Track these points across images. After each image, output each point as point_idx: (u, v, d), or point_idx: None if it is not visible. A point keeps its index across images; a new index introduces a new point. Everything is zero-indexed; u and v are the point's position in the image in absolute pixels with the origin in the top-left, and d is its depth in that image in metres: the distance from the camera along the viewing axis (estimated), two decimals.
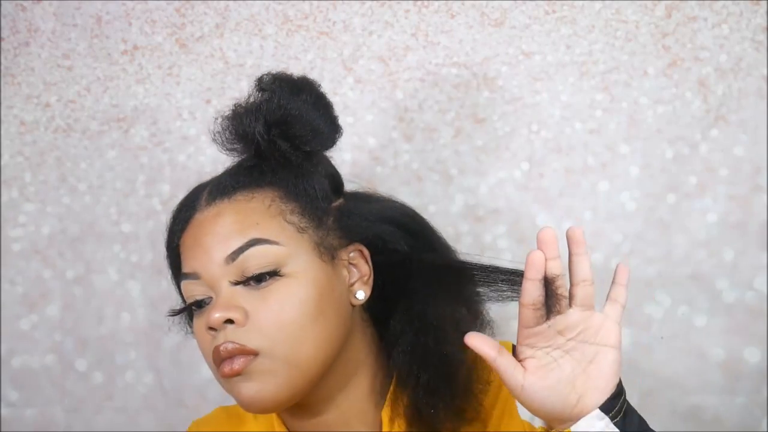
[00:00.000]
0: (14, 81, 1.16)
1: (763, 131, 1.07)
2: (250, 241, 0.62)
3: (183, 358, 1.14)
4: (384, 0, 1.12)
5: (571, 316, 0.59)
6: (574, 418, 0.59)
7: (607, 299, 0.62)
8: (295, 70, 1.13)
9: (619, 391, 0.61)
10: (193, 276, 0.65)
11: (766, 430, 1.06)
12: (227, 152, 0.69)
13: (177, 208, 0.70)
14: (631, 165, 1.10)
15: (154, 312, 1.15)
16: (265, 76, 0.68)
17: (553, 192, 1.11)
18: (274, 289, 0.62)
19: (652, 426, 0.64)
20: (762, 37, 1.07)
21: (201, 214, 0.65)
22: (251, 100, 0.67)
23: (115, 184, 1.16)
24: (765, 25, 1.07)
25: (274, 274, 0.62)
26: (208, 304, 0.64)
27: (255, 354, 0.61)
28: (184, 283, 0.66)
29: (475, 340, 0.59)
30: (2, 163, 1.16)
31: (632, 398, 0.66)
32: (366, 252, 0.68)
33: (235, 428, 0.74)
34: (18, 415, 1.15)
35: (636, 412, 0.62)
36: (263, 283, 0.62)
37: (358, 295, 0.67)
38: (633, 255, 1.10)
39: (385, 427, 0.68)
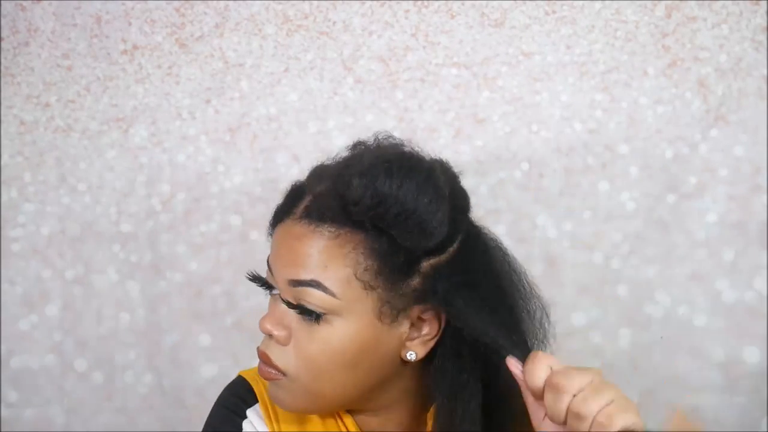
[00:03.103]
0: (14, 81, 1.16)
1: (763, 131, 1.07)
2: (312, 281, 0.63)
3: (182, 358, 1.14)
4: (384, 0, 1.12)
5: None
6: None
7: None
8: (295, 69, 1.14)
9: None
10: (270, 268, 0.67)
11: (765, 430, 1.06)
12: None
13: (285, 195, 0.68)
14: (631, 165, 1.10)
15: (154, 312, 1.15)
16: (386, 163, 0.63)
17: (553, 192, 1.11)
18: (318, 329, 0.63)
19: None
20: (762, 37, 1.07)
21: (291, 222, 0.65)
22: (360, 180, 0.62)
23: (115, 184, 1.16)
24: (765, 25, 1.07)
25: (320, 317, 0.63)
26: (278, 293, 0.66)
27: (283, 373, 0.65)
28: (268, 263, 0.68)
29: (511, 365, 0.61)
30: (2, 163, 1.16)
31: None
32: (443, 315, 0.65)
33: None
34: (17, 415, 1.15)
35: None
36: (311, 319, 0.64)
37: (409, 355, 0.65)
38: (633, 255, 1.10)
39: None
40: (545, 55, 1.11)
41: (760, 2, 1.07)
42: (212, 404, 0.77)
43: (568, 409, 0.56)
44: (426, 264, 0.64)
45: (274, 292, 0.66)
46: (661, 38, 1.09)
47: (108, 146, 1.16)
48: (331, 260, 0.63)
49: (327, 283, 0.62)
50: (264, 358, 0.65)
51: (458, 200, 0.67)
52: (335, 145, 0.70)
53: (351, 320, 0.63)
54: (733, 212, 1.08)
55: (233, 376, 0.76)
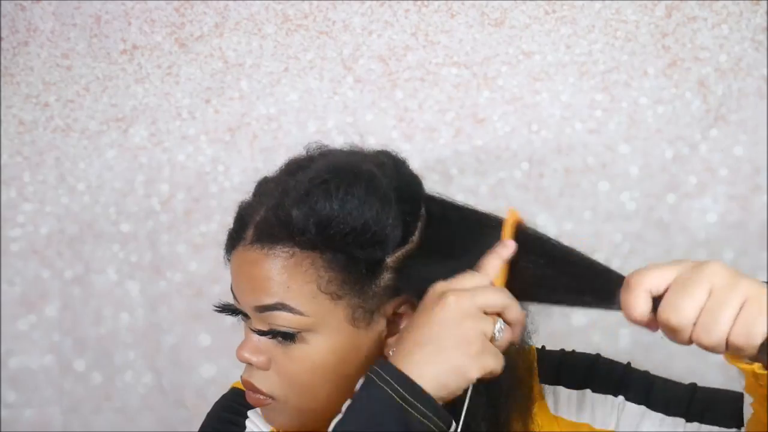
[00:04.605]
0: (13, 80, 1.15)
1: (763, 131, 1.07)
2: (277, 304, 0.61)
3: (182, 358, 1.14)
4: (384, 0, 1.12)
5: None
6: None
7: None
8: (295, 69, 1.14)
9: None
10: (235, 296, 0.66)
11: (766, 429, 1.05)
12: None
13: (234, 219, 0.66)
14: (631, 165, 1.10)
15: (153, 312, 1.14)
16: (314, 178, 0.60)
17: (553, 192, 1.11)
18: (296, 348, 0.62)
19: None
20: (762, 37, 1.07)
21: (244, 249, 0.63)
22: (291, 191, 0.60)
23: (114, 184, 1.15)
24: (765, 25, 1.07)
25: (294, 337, 0.62)
26: (249, 317, 0.65)
27: (271, 397, 0.64)
28: (232, 291, 0.66)
29: None
30: (1, 162, 1.16)
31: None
32: (417, 304, 0.62)
33: None
34: (16, 415, 1.14)
35: None
36: (285, 341, 0.62)
37: (392, 352, 0.63)
38: (633, 255, 1.10)
39: None
40: (545, 55, 1.10)
41: (760, 2, 1.07)
42: (212, 404, 0.76)
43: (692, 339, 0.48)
44: (391, 259, 0.63)
45: (247, 317, 0.64)
46: (661, 38, 1.09)
47: (107, 146, 1.16)
48: (292, 279, 0.61)
49: (292, 303, 0.61)
50: (249, 387, 0.64)
51: (410, 188, 0.65)
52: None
53: (326, 333, 0.62)
54: (733, 212, 1.08)
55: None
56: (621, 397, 0.68)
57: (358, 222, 0.59)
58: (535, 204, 1.11)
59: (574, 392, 0.70)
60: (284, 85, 1.14)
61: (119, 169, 1.16)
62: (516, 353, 0.69)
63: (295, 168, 0.65)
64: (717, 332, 0.46)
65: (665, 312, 0.48)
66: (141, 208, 1.15)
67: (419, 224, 0.64)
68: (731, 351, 0.47)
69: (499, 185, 1.12)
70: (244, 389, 0.66)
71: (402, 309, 0.65)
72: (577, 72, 1.10)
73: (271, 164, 1.12)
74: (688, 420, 0.66)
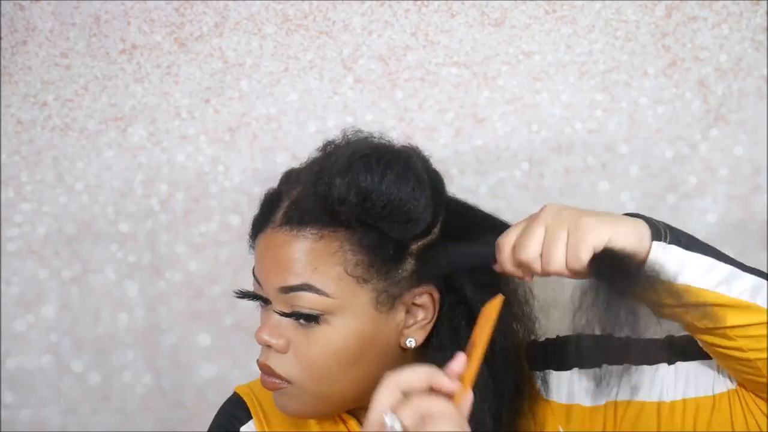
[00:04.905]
0: (12, 80, 1.15)
1: (763, 131, 1.08)
2: (303, 285, 0.63)
3: (181, 358, 1.13)
4: (384, 0, 1.12)
5: None
6: None
7: None
8: (295, 69, 1.13)
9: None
10: (257, 280, 0.68)
11: (765, 429, 1.05)
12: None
13: (261, 205, 0.69)
14: (631, 165, 1.10)
15: (152, 312, 1.14)
16: (357, 153, 0.64)
17: (553, 192, 1.11)
18: (317, 331, 0.64)
19: None
20: (762, 37, 1.08)
21: (272, 231, 0.66)
22: (335, 171, 0.63)
23: (113, 184, 1.15)
24: (765, 25, 1.08)
25: (318, 319, 0.63)
26: (269, 303, 0.67)
27: (288, 381, 0.65)
28: (254, 276, 0.69)
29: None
30: None
31: None
32: (436, 296, 0.66)
33: None
34: (13, 416, 1.14)
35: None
36: (307, 323, 0.64)
37: (408, 342, 0.66)
38: None
39: None
40: (545, 55, 1.11)
41: (760, 2, 1.08)
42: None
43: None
44: (416, 247, 0.65)
45: (268, 302, 0.66)
46: (661, 38, 1.09)
47: (106, 145, 1.15)
48: (319, 261, 0.63)
49: (318, 285, 0.63)
50: (266, 370, 0.65)
51: (436, 182, 0.69)
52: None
53: (349, 316, 0.63)
54: (733, 212, 1.08)
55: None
56: (605, 366, 0.69)
57: (395, 196, 0.62)
58: (535, 204, 1.10)
59: (563, 374, 0.71)
60: (284, 85, 1.14)
61: (118, 169, 1.15)
62: (519, 349, 0.70)
63: (332, 148, 0.67)
64: (556, 260, 0.58)
65: (517, 252, 0.60)
66: (140, 208, 1.15)
67: (441, 217, 0.67)
68: (572, 274, 0.58)
69: (499, 185, 1.12)
70: (258, 371, 0.67)
71: (421, 300, 0.66)
72: (577, 72, 1.10)
73: (271, 164, 1.14)
74: (670, 363, 0.68)
